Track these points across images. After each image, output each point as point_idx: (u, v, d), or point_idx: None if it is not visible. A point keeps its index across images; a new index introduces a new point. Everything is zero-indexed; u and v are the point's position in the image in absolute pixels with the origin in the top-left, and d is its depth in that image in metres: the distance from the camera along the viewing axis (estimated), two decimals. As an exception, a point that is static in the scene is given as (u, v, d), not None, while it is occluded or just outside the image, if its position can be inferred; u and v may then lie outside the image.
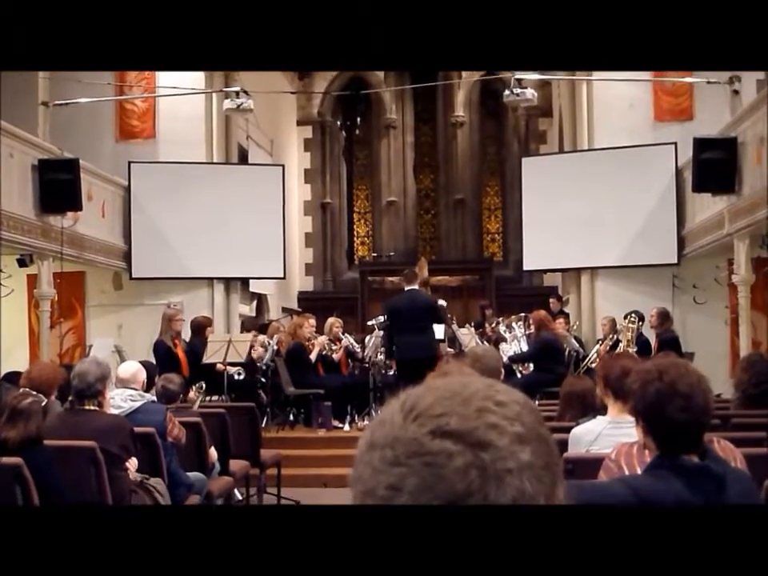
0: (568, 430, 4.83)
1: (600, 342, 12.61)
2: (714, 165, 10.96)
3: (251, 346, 11.99)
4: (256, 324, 15.11)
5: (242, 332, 13.47)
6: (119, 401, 6.21)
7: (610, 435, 4.23)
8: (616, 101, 14.22)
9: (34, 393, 5.31)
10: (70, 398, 5.68)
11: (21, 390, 5.47)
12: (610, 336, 12.34)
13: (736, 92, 12.42)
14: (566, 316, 14.19)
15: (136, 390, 6.40)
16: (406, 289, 11.27)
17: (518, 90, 12.30)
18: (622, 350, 11.42)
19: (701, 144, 11.31)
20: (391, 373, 12.47)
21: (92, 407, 5.55)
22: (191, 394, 9.17)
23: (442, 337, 11.58)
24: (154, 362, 10.38)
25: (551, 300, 15.37)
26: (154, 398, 6.77)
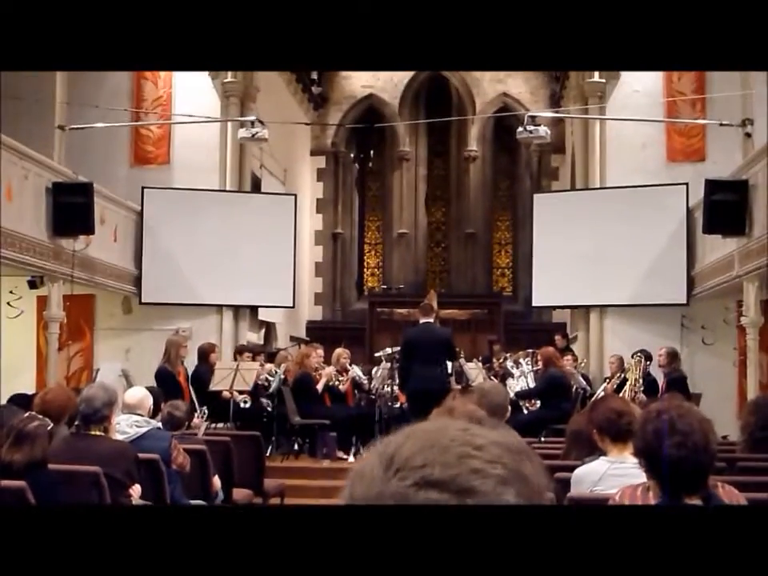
0: (573, 468, 4.80)
1: (607, 380, 12.59)
2: (725, 207, 10.98)
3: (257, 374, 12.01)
4: (253, 346, 15.05)
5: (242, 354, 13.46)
6: (125, 426, 6.22)
7: (614, 476, 4.21)
8: (629, 140, 14.28)
9: (40, 416, 5.32)
10: (76, 423, 5.68)
11: (28, 413, 5.47)
12: (618, 374, 12.32)
13: (748, 135, 12.46)
14: (572, 353, 14.17)
15: (142, 416, 6.40)
16: (422, 321, 11.27)
17: (531, 127, 12.34)
18: (628, 389, 11.39)
19: (712, 186, 11.34)
20: (397, 405, 12.45)
21: (98, 432, 5.56)
22: (195, 420, 9.17)
23: (450, 371, 11.58)
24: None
25: (556, 337, 15.41)
26: (160, 425, 6.77)
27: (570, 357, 13.45)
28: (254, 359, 12.95)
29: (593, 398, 12.20)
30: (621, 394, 11.08)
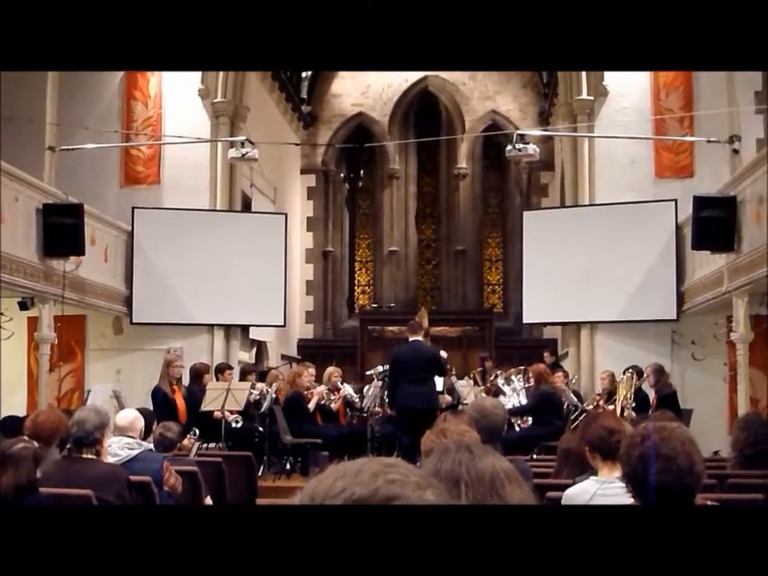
0: (564, 487, 4.79)
1: (599, 396, 12.61)
2: (714, 223, 11.03)
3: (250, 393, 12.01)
4: (248, 367, 15.04)
5: (241, 378, 13.43)
6: (116, 449, 6.21)
7: (604, 496, 4.22)
8: (617, 157, 14.34)
9: (26, 439, 5.30)
10: (68, 446, 5.67)
11: (19, 437, 5.45)
12: (606, 390, 12.38)
13: (736, 151, 12.52)
14: (563, 369, 14.20)
15: (133, 438, 6.40)
16: (410, 339, 11.29)
17: (520, 145, 12.39)
18: (619, 405, 11.41)
19: (700, 202, 11.39)
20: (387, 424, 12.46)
21: (89, 455, 5.55)
22: (185, 442, 9.14)
23: (440, 388, 11.59)
24: (152, 407, 10.40)
25: (545, 353, 15.48)
26: (152, 447, 6.76)
27: (561, 374, 13.47)
28: (245, 379, 12.94)
29: (580, 415, 12.26)
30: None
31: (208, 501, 7.27)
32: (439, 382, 11.57)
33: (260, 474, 11.05)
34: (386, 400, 12.27)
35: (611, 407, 11.68)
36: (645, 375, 11.84)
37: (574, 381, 13.77)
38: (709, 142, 12.82)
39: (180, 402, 11.25)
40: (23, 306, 11.78)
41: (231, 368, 13.01)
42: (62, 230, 11.42)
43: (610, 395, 12.10)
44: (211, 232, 14.52)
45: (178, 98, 15.01)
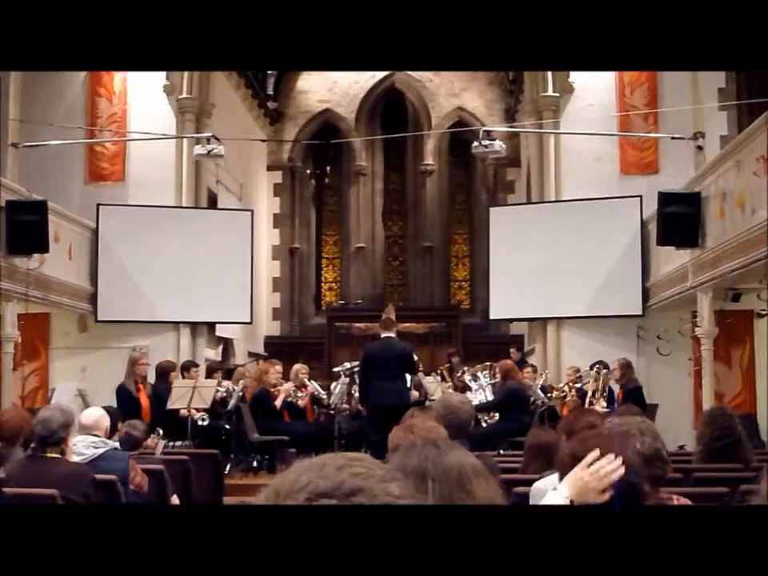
0: (531, 482, 4.81)
1: (568, 388, 12.66)
2: (678, 219, 11.10)
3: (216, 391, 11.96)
4: (215, 365, 14.99)
5: (207, 376, 13.37)
6: (81, 447, 6.16)
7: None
8: (583, 153, 14.40)
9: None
10: (32, 445, 5.62)
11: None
12: (572, 384, 12.46)
13: (700, 147, 12.63)
14: (531, 365, 14.24)
15: (99, 436, 6.35)
16: (383, 336, 11.26)
17: (487, 142, 12.41)
18: (588, 400, 11.48)
19: (665, 198, 11.45)
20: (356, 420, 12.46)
21: (54, 455, 5.50)
22: (149, 441, 9.07)
23: (408, 384, 11.59)
24: (116, 405, 10.32)
25: (511, 349, 15.55)
26: (117, 445, 6.72)
27: (529, 369, 13.52)
28: (211, 376, 12.88)
29: (547, 410, 12.31)
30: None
31: (174, 499, 7.23)
32: (407, 379, 11.57)
33: (227, 471, 11.02)
34: (357, 396, 12.23)
35: (577, 400, 11.78)
36: (612, 369, 11.90)
37: (543, 376, 13.81)
38: (673, 138, 12.92)
39: (144, 401, 11.18)
40: (-14, 304, 11.65)
41: (197, 366, 12.94)
42: (25, 228, 11.31)
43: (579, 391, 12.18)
44: (177, 229, 14.46)
45: (143, 94, 14.92)
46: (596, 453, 2.81)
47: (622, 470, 2.77)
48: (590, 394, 11.74)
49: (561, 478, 2.99)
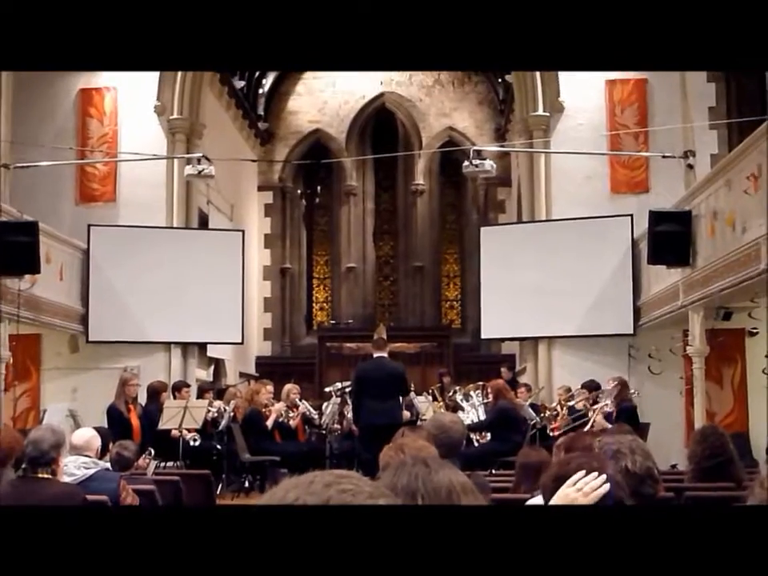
0: (523, 502, 4.80)
1: (559, 403, 12.64)
2: (669, 237, 11.11)
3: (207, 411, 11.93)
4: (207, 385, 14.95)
5: (198, 397, 13.34)
6: (72, 468, 6.13)
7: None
8: (573, 172, 14.43)
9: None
10: (23, 466, 5.59)
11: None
12: (563, 401, 12.45)
13: (690, 166, 12.67)
14: (524, 384, 14.23)
15: (90, 457, 6.33)
16: (375, 356, 11.26)
17: (477, 161, 12.43)
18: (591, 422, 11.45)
19: (656, 217, 11.47)
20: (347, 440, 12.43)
21: (45, 475, 5.47)
22: (140, 461, 9.04)
23: (400, 404, 11.58)
24: (107, 426, 10.29)
25: (502, 369, 15.56)
26: (108, 466, 6.69)
27: (523, 388, 13.52)
28: (202, 397, 12.85)
29: (539, 429, 12.27)
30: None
31: (166, 520, 7.18)
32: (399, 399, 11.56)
33: (218, 492, 10.99)
34: (351, 417, 12.20)
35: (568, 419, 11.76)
36: (612, 386, 11.85)
37: (538, 392, 13.79)
38: (664, 157, 12.96)
39: (135, 422, 11.16)
40: (-23, 325, 11.61)
41: (188, 386, 12.91)
42: (16, 248, 11.28)
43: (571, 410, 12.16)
44: (168, 249, 14.43)
45: (134, 114, 14.92)
46: (582, 473, 2.82)
47: (607, 486, 2.78)
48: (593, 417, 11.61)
49: (546, 503, 3.00)
